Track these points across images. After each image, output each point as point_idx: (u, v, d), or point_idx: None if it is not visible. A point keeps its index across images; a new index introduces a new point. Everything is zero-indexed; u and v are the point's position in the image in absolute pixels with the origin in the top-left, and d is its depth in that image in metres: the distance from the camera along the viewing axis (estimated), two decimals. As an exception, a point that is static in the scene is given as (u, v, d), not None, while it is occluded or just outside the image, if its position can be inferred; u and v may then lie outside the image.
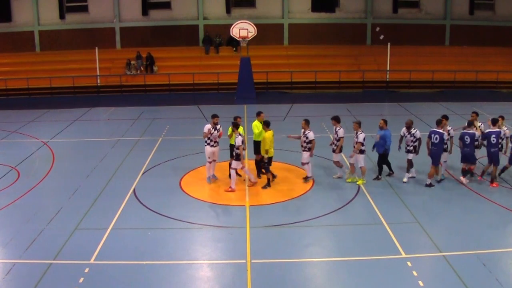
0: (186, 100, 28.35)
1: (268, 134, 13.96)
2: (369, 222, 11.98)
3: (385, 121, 14.58)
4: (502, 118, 14.99)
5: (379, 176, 14.80)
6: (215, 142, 14.46)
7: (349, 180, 14.55)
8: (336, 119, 14.62)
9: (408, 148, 14.72)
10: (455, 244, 10.81)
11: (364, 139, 14.17)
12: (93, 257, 10.24)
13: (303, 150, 14.36)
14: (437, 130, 14.35)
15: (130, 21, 34.22)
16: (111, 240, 11.07)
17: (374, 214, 12.35)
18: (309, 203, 13.36)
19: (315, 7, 32.51)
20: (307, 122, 14.39)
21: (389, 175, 14.98)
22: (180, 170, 15.45)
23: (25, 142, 19.70)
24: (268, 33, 33.09)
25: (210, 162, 14.69)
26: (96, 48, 31.00)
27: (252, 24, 28.39)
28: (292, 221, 12.04)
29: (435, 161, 14.24)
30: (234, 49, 33.38)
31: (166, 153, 17.51)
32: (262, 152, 14.06)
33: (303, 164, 14.48)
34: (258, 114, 14.80)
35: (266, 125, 14.04)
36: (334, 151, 14.61)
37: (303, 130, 14.37)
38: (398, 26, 34.38)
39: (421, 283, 9.20)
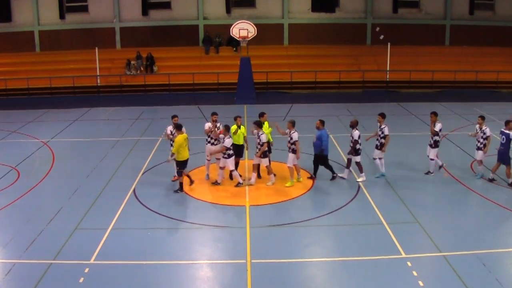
0: (186, 100, 28.34)
1: (180, 138, 13.37)
2: (369, 222, 11.98)
3: (322, 122, 14.33)
4: (482, 118, 14.87)
5: (314, 176, 14.64)
6: (215, 140, 14.51)
7: (288, 185, 14.32)
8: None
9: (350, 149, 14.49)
10: (455, 244, 10.82)
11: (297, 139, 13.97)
12: (93, 257, 10.25)
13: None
14: (504, 130, 14.20)
15: (130, 21, 34.21)
16: (111, 240, 11.07)
17: (374, 214, 12.35)
18: (309, 203, 13.38)
19: (315, 7, 32.48)
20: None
21: (333, 178, 14.61)
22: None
23: (25, 142, 19.70)
24: (268, 33, 33.06)
25: (208, 160, 14.78)
26: (96, 48, 30.99)
27: (252, 24, 28.37)
28: (292, 221, 12.04)
29: (505, 161, 14.09)
30: (234, 49, 33.37)
31: (166, 153, 17.39)
32: (174, 151, 13.44)
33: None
34: (261, 115, 14.79)
35: (178, 128, 13.53)
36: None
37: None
38: (398, 26, 34.36)
39: (421, 283, 9.20)
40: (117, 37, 34.43)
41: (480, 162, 14.78)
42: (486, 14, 35.14)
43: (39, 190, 14.39)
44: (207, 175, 14.96)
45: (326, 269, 10.11)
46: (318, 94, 30.60)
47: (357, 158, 14.44)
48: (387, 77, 32.09)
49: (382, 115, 14.81)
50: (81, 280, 9.41)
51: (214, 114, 14.76)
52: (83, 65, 31.68)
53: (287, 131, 14.16)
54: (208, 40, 33.93)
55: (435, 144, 14.83)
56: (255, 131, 14.10)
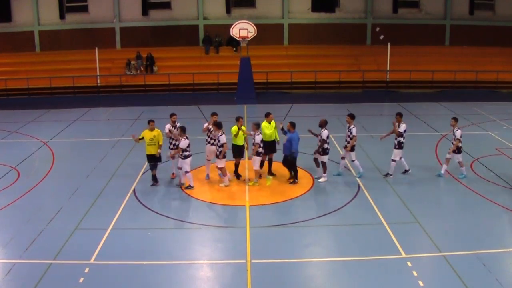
0: (186, 100, 28.34)
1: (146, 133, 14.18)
2: (369, 222, 11.98)
3: (292, 124, 14.13)
4: (455, 120, 14.79)
5: (296, 180, 14.49)
6: (215, 140, 14.52)
7: (251, 184, 14.34)
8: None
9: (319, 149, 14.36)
10: (455, 244, 10.82)
11: (261, 141, 13.89)
12: (93, 257, 10.25)
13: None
14: None
15: (130, 21, 34.21)
16: (111, 240, 11.07)
17: (374, 214, 12.35)
18: (309, 203, 13.37)
19: (315, 7, 32.49)
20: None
21: (292, 181, 14.42)
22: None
23: (25, 142, 19.69)
24: (268, 33, 33.06)
25: (209, 160, 14.80)
26: (96, 48, 30.99)
27: (252, 24, 28.37)
28: (292, 221, 12.04)
29: None
30: (234, 49, 33.37)
31: (166, 153, 17.48)
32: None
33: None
34: (267, 115, 14.81)
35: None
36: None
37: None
38: (398, 26, 34.36)
39: (421, 283, 9.20)
40: (117, 37, 34.44)
41: (460, 163, 14.72)
42: (486, 14, 35.13)
43: (39, 190, 14.39)
44: (207, 175, 14.97)
45: (326, 269, 10.11)
46: (318, 94, 30.60)
47: (324, 158, 14.33)
48: (387, 77, 32.09)
49: (351, 116, 14.63)
50: (81, 280, 9.41)
51: (214, 114, 14.76)
52: (83, 65, 31.68)
53: (252, 133, 14.12)
54: (208, 40, 33.93)
55: (399, 146, 14.61)
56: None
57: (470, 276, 9.43)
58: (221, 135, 13.94)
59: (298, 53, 33.76)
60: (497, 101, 28.09)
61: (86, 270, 9.74)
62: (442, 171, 14.94)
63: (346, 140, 14.63)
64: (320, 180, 14.50)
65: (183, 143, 13.64)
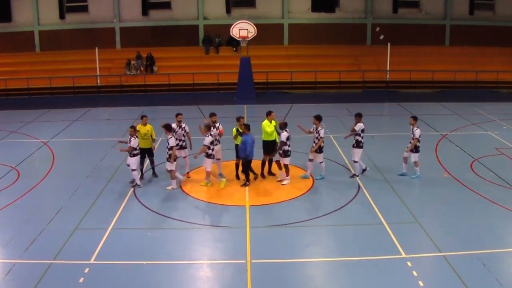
0: (186, 100, 28.33)
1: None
2: (369, 222, 11.98)
3: (247, 126, 14.04)
4: (414, 119, 14.71)
5: (247, 183, 14.42)
6: (216, 140, 14.55)
7: (203, 184, 14.37)
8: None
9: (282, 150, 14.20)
10: (455, 244, 10.82)
11: (210, 143, 13.88)
12: (93, 257, 10.25)
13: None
14: None
15: (130, 21, 34.21)
16: (111, 240, 11.07)
17: (374, 214, 12.35)
18: (309, 203, 13.37)
19: (315, 7, 32.47)
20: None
21: (244, 184, 14.32)
22: (180, 170, 15.42)
23: (25, 142, 19.69)
24: (268, 33, 33.05)
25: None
26: (96, 48, 30.99)
27: (252, 24, 28.37)
28: (292, 221, 12.04)
29: None
30: (234, 49, 33.37)
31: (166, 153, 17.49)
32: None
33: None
34: (269, 113, 14.80)
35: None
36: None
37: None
38: (398, 26, 34.35)
39: (421, 283, 9.20)
40: (117, 37, 34.43)
41: (416, 163, 14.71)
42: (486, 14, 35.13)
43: (39, 190, 14.39)
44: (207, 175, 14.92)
45: (326, 269, 10.11)
46: (318, 94, 30.60)
47: (286, 161, 14.17)
48: (387, 77, 32.09)
49: (318, 117, 14.46)
50: (81, 280, 9.41)
51: (213, 115, 14.78)
52: (83, 65, 31.67)
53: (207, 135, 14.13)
54: (208, 40, 33.92)
55: (357, 145, 14.58)
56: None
57: (470, 276, 9.43)
58: (170, 137, 13.90)
59: (298, 53, 33.76)
60: (497, 101, 28.09)
61: (86, 270, 9.74)
62: (404, 170, 14.92)
63: (313, 142, 14.42)
64: (283, 183, 14.35)
65: (134, 142, 13.86)
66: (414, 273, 9.57)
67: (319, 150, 14.41)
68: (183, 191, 14.10)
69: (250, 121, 15.30)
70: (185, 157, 14.98)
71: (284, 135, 14.02)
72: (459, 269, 9.64)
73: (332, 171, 15.26)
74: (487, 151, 17.56)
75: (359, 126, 14.59)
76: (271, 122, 14.66)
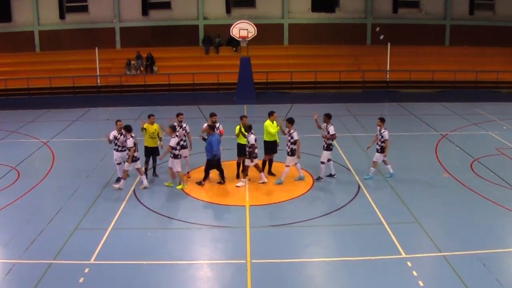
0: (186, 100, 28.33)
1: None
2: (369, 222, 11.98)
3: (211, 127, 14.09)
4: (382, 120, 14.56)
5: (203, 182, 14.43)
6: (182, 141, 14.57)
7: (167, 184, 14.32)
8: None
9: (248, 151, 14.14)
10: (455, 244, 10.82)
11: (177, 144, 13.86)
12: (93, 257, 10.25)
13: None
14: None
15: (130, 21, 34.20)
16: (111, 240, 11.07)
17: (374, 214, 12.35)
18: (309, 203, 13.36)
19: (315, 7, 32.46)
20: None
21: (219, 183, 14.40)
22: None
23: (25, 142, 19.69)
24: (268, 33, 33.04)
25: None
26: (96, 48, 30.98)
27: (252, 24, 28.36)
28: (292, 221, 12.04)
29: None
30: (234, 49, 33.37)
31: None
32: None
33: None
34: (271, 114, 14.80)
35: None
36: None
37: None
38: (398, 26, 34.34)
39: (421, 283, 9.20)
40: (117, 37, 34.43)
41: (375, 163, 14.62)
42: (486, 14, 35.13)
43: (39, 190, 14.39)
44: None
45: (326, 269, 10.11)
46: (318, 94, 30.60)
47: (248, 162, 14.11)
48: (387, 77, 32.09)
49: (289, 121, 14.29)
50: (81, 280, 9.41)
51: (213, 115, 14.79)
52: (83, 65, 31.66)
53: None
54: (208, 40, 33.92)
55: (327, 148, 14.40)
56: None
57: (470, 276, 9.43)
58: (128, 138, 13.88)
59: (298, 53, 33.75)
60: (497, 101, 28.09)
61: (86, 270, 9.74)
62: (392, 171, 14.80)
63: (287, 145, 14.24)
64: (238, 185, 14.29)
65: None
66: (414, 273, 9.57)
67: (292, 153, 14.16)
68: (183, 191, 14.09)
69: (250, 121, 15.27)
70: (185, 156, 15.01)
71: (252, 137, 13.92)
72: (459, 269, 9.64)
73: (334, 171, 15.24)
74: (487, 151, 17.56)
75: (332, 128, 14.33)
76: (273, 123, 14.66)
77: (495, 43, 34.17)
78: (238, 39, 28.85)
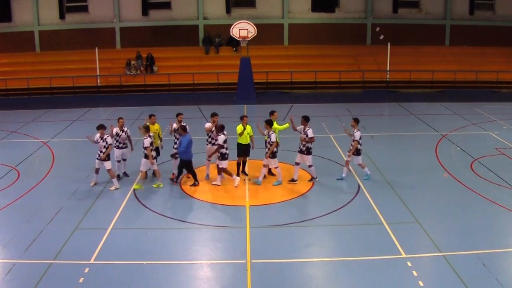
0: (186, 100, 28.34)
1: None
2: (369, 222, 11.98)
3: (183, 128, 14.13)
4: (356, 121, 14.39)
5: (175, 180, 14.48)
6: (216, 140, 14.57)
7: (137, 187, 14.29)
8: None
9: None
10: (455, 244, 10.81)
11: (150, 144, 13.89)
12: (93, 257, 10.25)
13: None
14: None
15: (130, 21, 34.21)
16: (111, 240, 11.07)
17: (374, 214, 12.35)
18: (309, 203, 13.37)
19: (315, 7, 32.47)
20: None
21: (193, 184, 14.34)
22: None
23: (25, 142, 19.69)
24: (268, 33, 33.06)
25: (209, 160, 14.85)
26: (96, 48, 30.99)
27: (252, 24, 28.37)
28: (292, 221, 12.04)
29: None
30: (234, 49, 33.37)
31: (166, 153, 17.47)
32: None
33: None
34: (272, 113, 14.83)
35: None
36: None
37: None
38: (398, 26, 34.35)
39: (421, 283, 9.20)
40: (117, 37, 34.43)
41: (347, 162, 14.59)
42: (486, 14, 35.14)
43: (39, 190, 14.39)
44: (207, 175, 14.99)
45: (326, 269, 10.11)
46: (318, 94, 30.61)
47: (223, 164, 14.08)
48: (387, 77, 32.09)
49: (267, 122, 14.22)
50: (81, 280, 9.41)
51: (214, 115, 14.79)
52: (83, 65, 31.67)
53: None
54: (208, 40, 33.93)
55: (307, 151, 14.11)
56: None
57: (470, 276, 9.43)
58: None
59: (298, 53, 33.76)
60: (497, 101, 28.10)
61: (86, 270, 9.74)
62: (344, 175, 14.71)
63: (266, 147, 14.15)
64: (213, 183, 14.27)
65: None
66: (414, 273, 9.57)
67: (272, 155, 14.05)
68: (183, 191, 14.10)
69: (250, 121, 15.28)
70: None
71: (221, 138, 13.88)
72: (459, 269, 9.64)
73: (332, 172, 15.25)
74: (487, 151, 17.56)
75: (311, 131, 14.07)
76: (274, 122, 14.67)
77: (495, 43, 34.18)
78: (238, 39, 28.86)
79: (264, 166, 14.51)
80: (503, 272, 9.68)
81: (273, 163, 14.23)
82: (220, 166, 14.15)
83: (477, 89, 31.09)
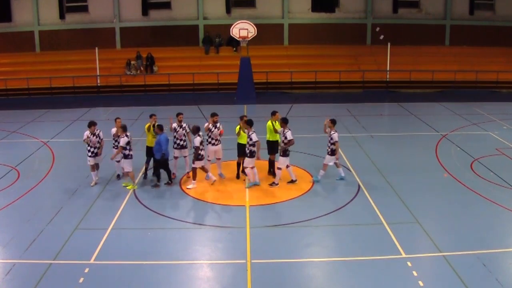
0: (186, 100, 28.32)
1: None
2: (369, 222, 11.98)
3: (160, 127, 14.11)
4: (332, 122, 14.18)
5: (158, 184, 14.40)
6: (216, 140, 14.58)
7: (124, 185, 14.33)
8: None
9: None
10: (455, 244, 10.82)
11: (127, 143, 13.93)
12: (93, 257, 10.25)
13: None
14: None
15: (130, 21, 34.19)
16: (111, 240, 11.08)
17: (374, 214, 12.35)
18: (309, 203, 13.36)
19: (315, 7, 32.46)
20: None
21: (167, 183, 14.35)
22: (180, 170, 15.44)
23: (25, 142, 19.69)
24: (268, 33, 33.03)
25: (209, 161, 14.86)
26: (96, 48, 30.97)
27: (252, 24, 28.35)
28: (292, 221, 12.04)
29: None
30: (234, 49, 33.36)
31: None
32: None
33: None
34: (273, 113, 14.82)
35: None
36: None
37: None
38: (398, 26, 34.32)
39: (421, 283, 9.20)
40: (117, 37, 34.41)
41: (325, 165, 14.38)
42: (486, 14, 35.12)
43: (39, 190, 14.39)
44: (207, 175, 14.96)
45: (326, 269, 10.11)
46: (318, 94, 30.60)
47: (197, 164, 14.00)
48: (387, 77, 32.08)
49: (248, 122, 14.12)
50: (81, 280, 9.41)
51: (214, 115, 14.80)
52: (83, 65, 31.65)
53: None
54: (208, 40, 33.92)
55: (284, 153, 13.98)
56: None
57: (470, 276, 9.43)
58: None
59: (298, 53, 33.74)
60: (497, 101, 28.10)
61: (86, 270, 9.74)
62: (342, 174, 14.66)
63: (247, 148, 14.04)
64: (188, 187, 14.19)
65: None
66: (414, 273, 9.58)
67: (250, 154, 13.95)
68: (183, 191, 14.10)
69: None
70: (185, 156, 15.02)
71: (198, 139, 13.80)
72: (459, 269, 9.64)
73: (332, 172, 15.22)
74: (487, 151, 17.56)
75: (290, 133, 13.96)
76: (275, 122, 14.68)
77: (495, 43, 34.15)
78: (238, 39, 28.84)
79: (252, 168, 14.18)
80: (503, 272, 9.69)
81: (249, 162, 14.04)
82: (193, 166, 14.05)
83: (477, 89, 31.06)
